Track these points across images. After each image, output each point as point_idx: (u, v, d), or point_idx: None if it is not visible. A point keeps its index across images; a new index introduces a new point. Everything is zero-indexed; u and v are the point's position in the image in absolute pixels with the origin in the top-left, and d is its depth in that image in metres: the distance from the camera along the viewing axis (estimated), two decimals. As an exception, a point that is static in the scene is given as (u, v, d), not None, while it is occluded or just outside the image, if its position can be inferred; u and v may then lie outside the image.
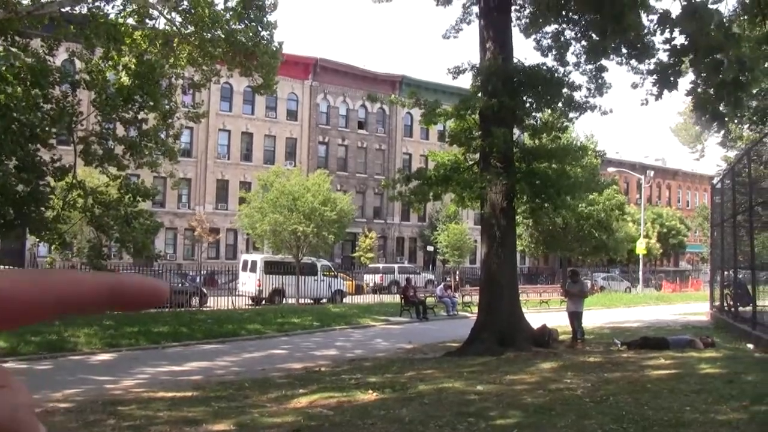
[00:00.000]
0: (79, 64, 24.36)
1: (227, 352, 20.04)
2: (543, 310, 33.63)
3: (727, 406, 9.67)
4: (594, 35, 20.14)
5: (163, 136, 24.51)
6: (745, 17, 18.64)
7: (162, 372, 16.31)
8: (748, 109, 26.32)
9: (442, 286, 37.84)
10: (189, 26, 23.42)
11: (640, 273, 57.26)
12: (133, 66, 22.39)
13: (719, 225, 27.17)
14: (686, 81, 19.47)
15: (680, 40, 18.20)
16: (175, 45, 23.71)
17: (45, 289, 0.51)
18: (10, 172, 20.75)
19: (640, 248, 53.85)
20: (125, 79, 22.38)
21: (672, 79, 18.84)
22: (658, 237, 69.64)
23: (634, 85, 20.82)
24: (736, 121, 27.78)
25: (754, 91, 23.00)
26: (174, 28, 23.49)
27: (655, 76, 19.21)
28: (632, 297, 50.05)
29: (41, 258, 42.73)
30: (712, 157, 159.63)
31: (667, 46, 18.62)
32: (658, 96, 19.31)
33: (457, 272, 52.90)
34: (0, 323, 0.50)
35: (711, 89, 17.98)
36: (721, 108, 18.10)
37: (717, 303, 27.06)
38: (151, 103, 22.94)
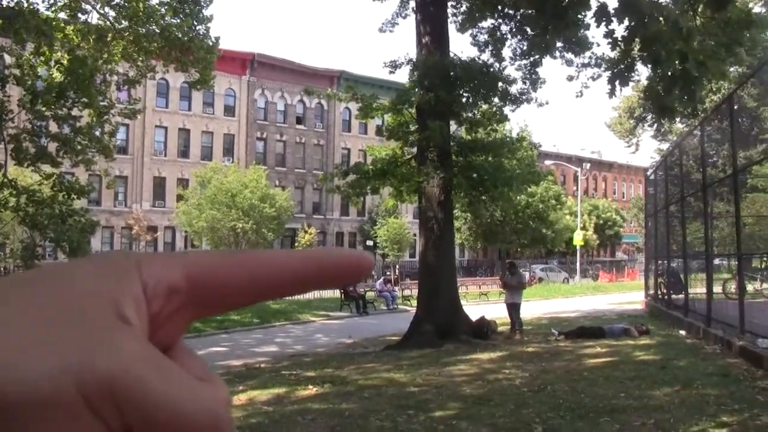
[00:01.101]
0: (8, 59, 23.88)
1: (166, 350, 19.86)
2: (482, 302, 33.92)
3: (659, 391, 9.91)
4: (530, 30, 20.33)
5: (98, 133, 24.14)
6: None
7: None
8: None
9: (381, 280, 37.92)
10: (123, 21, 23.08)
11: (578, 264, 58.02)
12: (65, 62, 21.99)
13: (653, 215, 27.64)
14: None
15: (620, 31, 18.44)
16: (108, 40, 23.33)
17: (238, 270, 0.47)
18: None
19: (578, 239, 54.55)
20: (57, 75, 21.98)
21: (625, 74, 19.08)
22: (595, 228, 70.57)
23: (570, 78, 21.07)
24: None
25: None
26: (107, 22, 23.14)
27: (605, 72, 19.45)
28: (570, 287, 50.67)
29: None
30: (647, 149, 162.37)
31: (608, 40, 18.86)
32: (611, 93, 19.56)
33: (397, 266, 53.13)
34: (199, 309, 0.47)
35: (660, 82, 18.20)
36: (676, 102, 18.32)
37: (651, 292, 27.52)
38: (85, 100, 22.54)
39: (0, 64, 25.08)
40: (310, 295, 39.48)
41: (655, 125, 50.01)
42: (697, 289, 18.79)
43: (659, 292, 25.43)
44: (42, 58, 22.35)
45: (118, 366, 0.38)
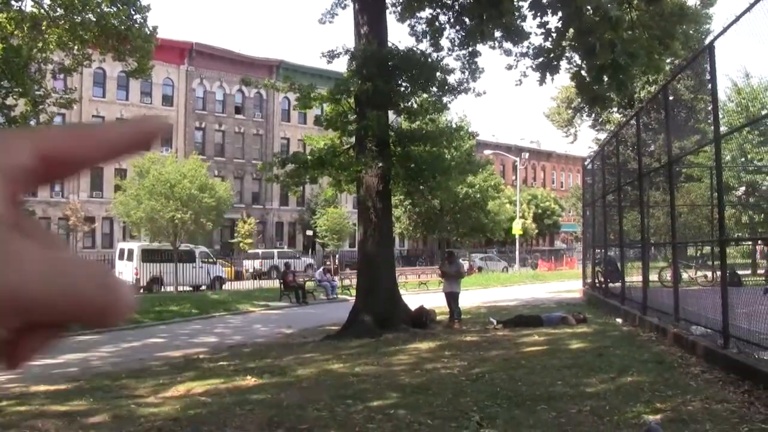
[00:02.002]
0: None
1: (104, 342, 19.61)
2: (422, 292, 34.05)
3: (596, 379, 10.05)
4: (468, 20, 20.42)
5: (33, 123, 23.71)
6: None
7: (35, 366, 15.85)
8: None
9: (321, 269, 37.92)
10: (58, 9, 22.67)
11: (517, 253, 58.45)
12: (-2, 51, 21.54)
13: (590, 205, 27.96)
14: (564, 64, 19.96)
15: (554, 23, 18.62)
16: (43, 28, 22.89)
17: (82, 141, 0.52)
18: None
19: (517, 228, 54.96)
20: (-11, 63, 21.53)
21: (554, 63, 19.27)
22: (534, 217, 71.29)
23: (509, 67, 21.24)
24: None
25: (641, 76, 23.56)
26: (42, 10, 22.71)
27: (534, 61, 19.62)
28: (509, 276, 51.09)
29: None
30: (584, 139, 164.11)
31: (542, 30, 19.03)
32: (542, 81, 19.72)
33: (337, 256, 53.09)
34: (45, 178, 0.51)
35: (589, 72, 18.41)
36: (606, 92, 18.54)
37: (589, 280, 27.86)
38: (20, 89, 22.13)
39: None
40: (249, 285, 39.41)
41: (593, 115, 50.68)
42: (634, 278, 19.07)
43: (597, 281, 25.76)
44: (-25, 47, 21.83)
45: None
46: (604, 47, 16.81)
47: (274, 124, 67.44)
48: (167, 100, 61.44)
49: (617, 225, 21.35)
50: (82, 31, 22.38)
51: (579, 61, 19.44)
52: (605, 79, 17.80)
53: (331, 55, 20.29)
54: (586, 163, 33.42)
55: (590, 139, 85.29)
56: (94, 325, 0.50)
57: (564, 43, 19.02)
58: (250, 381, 11.39)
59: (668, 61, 23.81)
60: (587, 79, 18.46)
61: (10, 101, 22.60)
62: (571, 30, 18.27)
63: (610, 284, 22.67)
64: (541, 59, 19.33)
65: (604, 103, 20.93)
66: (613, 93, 19.29)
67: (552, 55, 18.97)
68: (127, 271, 37.02)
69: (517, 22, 19.81)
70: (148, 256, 37.49)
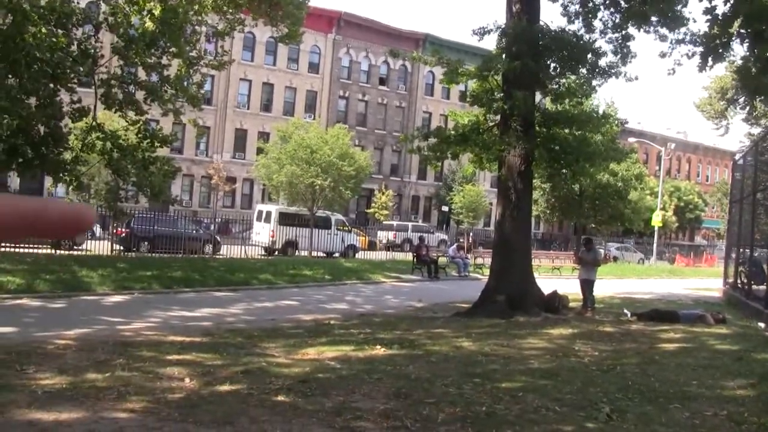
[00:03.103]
0: (103, 7, 24.19)
1: (238, 300, 20.15)
2: (554, 277, 33.64)
3: (734, 383, 9.67)
4: (623, 2, 19.91)
5: (186, 83, 24.40)
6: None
7: (173, 316, 16.43)
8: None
9: (455, 246, 37.89)
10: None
11: (654, 245, 57.07)
12: (157, 12, 22.20)
13: (738, 202, 27.00)
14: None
15: (722, 8, 17.91)
16: (200, -8, 23.53)
17: None
18: (31, 111, 20.66)
19: (656, 220, 53.62)
20: (149, 24, 22.22)
21: (720, 50, 18.59)
22: (675, 210, 69.44)
23: (662, 54, 20.63)
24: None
25: None
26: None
27: (694, 48, 18.97)
28: (645, 269, 49.98)
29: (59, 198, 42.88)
30: (736, 133, 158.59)
31: (708, 16, 18.36)
32: (702, 66, 19.06)
33: (471, 234, 52.91)
34: None
35: (756, 62, 17.67)
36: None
37: (730, 280, 26.96)
38: (174, 50, 22.79)
39: (95, 11, 25.43)
40: (382, 256, 39.71)
41: (747, 108, 48.73)
42: (780, 281, 18.36)
43: (739, 281, 24.89)
44: (135, 7, 22.58)
45: None
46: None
47: (417, 98, 67.62)
48: (313, 67, 62.37)
49: (766, 225, 20.56)
50: (237, -5, 22.87)
51: (743, 52, 18.67)
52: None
53: (482, 32, 20.10)
54: (736, 158, 32.26)
55: (742, 133, 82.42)
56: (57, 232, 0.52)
57: (731, 30, 18.26)
58: (380, 351, 11.47)
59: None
60: (753, 69, 17.70)
61: (164, 61, 23.30)
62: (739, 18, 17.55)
63: (754, 286, 21.90)
64: (706, 46, 18.60)
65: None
66: None
67: (718, 41, 18.24)
68: (263, 232, 37.82)
69: (677, 7, 19.18)
70: (285, 219, 38.16)
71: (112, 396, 7.59)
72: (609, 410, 7.77)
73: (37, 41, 19.87)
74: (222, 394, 8.03)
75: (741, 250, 25.25)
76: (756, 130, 48.41)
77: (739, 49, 19.11)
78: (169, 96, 23.26)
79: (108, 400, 7.44)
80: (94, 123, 23.02)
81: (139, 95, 23.52)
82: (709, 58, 18.53)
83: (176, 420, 6.83)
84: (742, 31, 17.89)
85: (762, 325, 17.33)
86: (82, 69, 21.87)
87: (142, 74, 24.46)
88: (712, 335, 15.12)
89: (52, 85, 21.23)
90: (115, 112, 23.67)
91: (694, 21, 19.06)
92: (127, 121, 23.74)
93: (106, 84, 22.47)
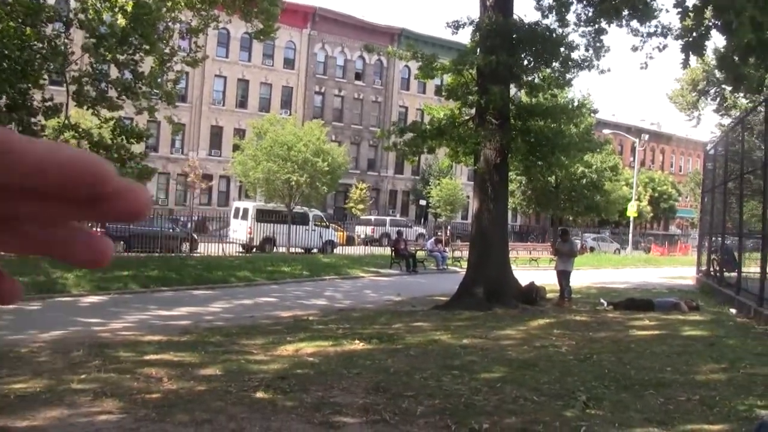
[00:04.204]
0: (73, 3, 24.02)
1: (216, 298, 20.12)
2: (532, 268, 33.78)
3: (707, 368, 9.85)
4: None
5: (160, 80, 24.27)
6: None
7: (151, 316, 16.39)
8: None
9: (432, 240, 37.98)
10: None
11: (630, 235, 57.40)
12: (129, 8, 22.06)
13: (710, 191, 27.26)
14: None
15: (692, 0, 17.99)
16: (174, -12, 23.43)
17: None
18: (1, 110, 20.49)
19: (632, 211, 53.92)
20: (121, 20, 22.08)
21: (698, 42, 18.67)
22: (650, 200, 69.82)
23: (634, 48, 20.76)
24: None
25: None
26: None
27: (673, 40, 19.06)
28: (621, 259, 50.28)
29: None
30: (707, 124, 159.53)
31: (678, 9, 18.45)
32: (685, 64, 19.17)
33: (449, 227, 53.07)
34: None
35: (734, 51, 17.75)
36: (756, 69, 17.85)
37: (704, 268, 27.23)
38: (147, 47, 22.65)
39: (65, 8, 25.24)
40: (361, 251, 39.75)
41: (718, 99, 49.11)
42: (751, 269, 18.55)
43: (712, 269, 25.17)
44: (107, 4, 22.44)
45: None
46: (744, 24, 16.16)
47: (393, 92, 67.65)
48: (288, 63, 62.24)
49: (737, 214, 20.77)
50: (211, -9, 22.78)
51: (722, 43, 18.76)
52: (751, 59, 17.13)
53: (456, 26, 20.20)
54: (708, 148, 32.52)
55: (714, 124, 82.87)
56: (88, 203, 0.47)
57: (706, 22, 18.34)
58: (358, 345, 11.53)
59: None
60: (734, 58, 17.79)
61: (137, 58, 23.13)
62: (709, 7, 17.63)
63: (726, 273, 22.14)
64: (683, 40, 18.68)
65: (751, 83, 20.15)
66: (763, 72, 18.54)
67: (695, 34, 18.33)
68: (241, 229, 37.78)
69: (647, 1, 19.29)
70: (262, 216, 38.12)
71: (89, 398, 7.59)
72: (586, 398, 7.88)
73: (4, 38, 19.71)
74: (200, 392, 8.06)
75: (713, 238, 25.54)
76: (726, 121, 48.80)
77: (720, 39, 19.20)
78: (143, 92, 23.11)
79: (84, 402, 7.43)
80: (66, 121, 22.87)
81: (113, 92, 23.35)
82: (690, 53, 18.64)
83: (154, 420, 6.85)
84: (715, 22, 18.01)
85: (733, 311, 17.55)
86: (52, 66, 21.74)
87: (115, 72, 24.30)
88: (685, 322, 15.32)
89: (22, 84, 21.04)
90: (87, 110, 23.48)
91: (667, 11, 19.01)
92: (100, 119, 23.55)
93: (77, 81, 22.31)
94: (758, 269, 17.13)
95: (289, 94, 62.26)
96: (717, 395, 8.18)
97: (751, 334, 13.82)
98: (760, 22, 15.97)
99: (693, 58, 18.60)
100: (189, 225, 38.46)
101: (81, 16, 22.19)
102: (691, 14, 18.26)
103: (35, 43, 21.11)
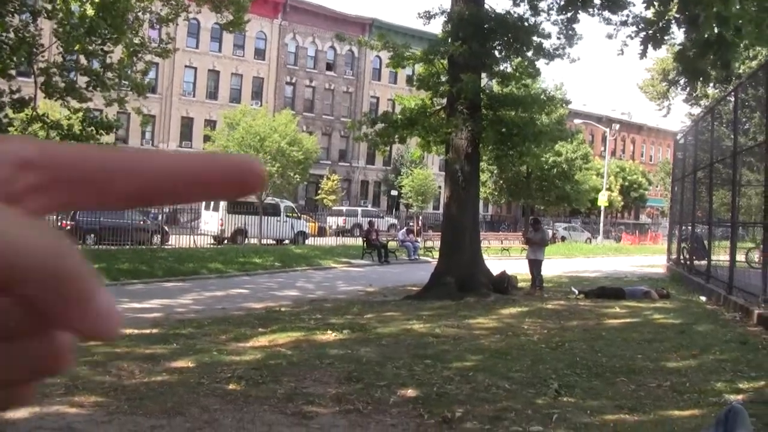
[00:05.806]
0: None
1: (188, 290, 20.03)
2: (504, 258, 33.89)
3: (677, 355, 9.95)
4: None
5: (130, 71, 24.06)
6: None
7: (122, 309, 16.25)
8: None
9: (404, 230, 38.05)
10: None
11: (601, 224, 57.82)
12: (97, -3, 21.79)
13: (680, 180, 27.47)
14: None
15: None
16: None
17: (107, 161, 0.42)
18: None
19: (602, 200, 54.24)
20: (90, 10, 21.83)
21: (657, 36, 18.76)
22: (621, 190, 70.24)
23: (609, 36, 20.88)
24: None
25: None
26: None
27: (635, 31, 19.16)
28: (592, 248, 50.57)
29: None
30: (678, 113, 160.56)
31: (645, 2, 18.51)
32: (643, 54, 19.26)
33: (420, 217, 53.15)
34: (65, 194, 0.42)
35: (693, 46, 17.85)
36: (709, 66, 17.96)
37: (674, 256, 27.47)
38: (116, 36, 22.41)
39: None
40: (332, 242, 39.73)
41: (688, 89, 49.39)
42: (720, 257, 18.72)
43: (682, 257, 25.37)
44: (75, -7, 22.17)
45: None
46: (708, 19, 16.26)
47: (365, 83, 67.57)
48: (259, 53, 61.99)
49: (706, 202, 20.95)
50: (181, -20, 22.60)
51: (683, 36, 18.85)
52: (709, 55, 17.24)
53: (428, 16, 20.20)
54: (678, 137, 32.78)
55: (683, 113, 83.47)
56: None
57: (667, 16, 18.45)
58: (331, 336, 11.53)
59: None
60: (691, 54, 17.89)
61: (106, 48, 22.89)
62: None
63: (695, 261, 22.33)
64: (644, 33, 18.78)
65: (707, 79, 20.30)
66: (717, 70, 18.68)
67: (655, 27, 18.43)
68: (212, 221, 37.60)
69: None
70: (233, 207, 37.93)
71: (60, 392, 7.51)
72: (558, 386, 7.93)
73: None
74: (172, 384, 8.02)
75: (683, 227, 25.74)
76: (696, 110, 49.12)
77: (679, 34, 19.31)
78: (112, 82, 22.87)
79: (55, 396, 7.36)
80: (34, 113, 22.62)
81: (82, 83, 23.09)
82: (649, 45, 18.72)
83: (125, 413, 6.81)
84: (679, 15, 18.09)
85: (703, 298, 17.71)
86: (19, 58, 21.48)
87: (83, 62, 24.03)
88: (656, 310, 15.45)
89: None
90: (56, 101, 23.22)
91: (633, 5, 18.99)
92: (69, 110, 23.28)
93: (45, 72, 22.06)
94: (727, 257, 17.29)
95: (260, 84, 62.01)
96: (687, 381, 8.27)
97: (720, 321, 13.95)
98: (726, 17, 16.07)
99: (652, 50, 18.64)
100: (160, 217, 38.18)
101: (47, 5, 21.92)
102: (656, 5, 18.32)
103: (2, 34, 20.83)
